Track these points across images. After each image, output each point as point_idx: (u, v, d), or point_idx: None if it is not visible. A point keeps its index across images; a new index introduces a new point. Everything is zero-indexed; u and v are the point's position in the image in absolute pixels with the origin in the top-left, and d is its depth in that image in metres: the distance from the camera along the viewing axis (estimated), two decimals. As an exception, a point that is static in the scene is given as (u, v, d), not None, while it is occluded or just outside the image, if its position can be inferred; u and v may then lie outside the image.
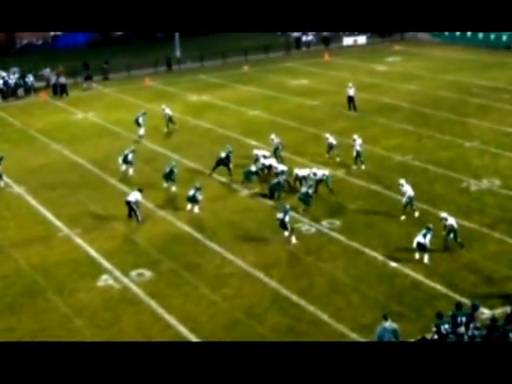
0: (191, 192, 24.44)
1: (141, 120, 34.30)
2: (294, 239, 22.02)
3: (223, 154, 28.06)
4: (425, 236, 20.21)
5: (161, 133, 35.02)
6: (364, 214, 24.09)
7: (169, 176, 26.72)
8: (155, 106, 40.26)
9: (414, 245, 20.35)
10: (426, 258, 20.32)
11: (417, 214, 23.51)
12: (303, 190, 24.43)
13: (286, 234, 22.08)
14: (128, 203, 23.86)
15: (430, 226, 20.61)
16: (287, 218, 21.87)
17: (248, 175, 26.90)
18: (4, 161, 28.36)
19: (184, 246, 22.23)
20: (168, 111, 35.45)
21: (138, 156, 31.31)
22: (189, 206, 24.67)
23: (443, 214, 21.23)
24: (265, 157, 28.27)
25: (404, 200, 23.58)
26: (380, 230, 22.83)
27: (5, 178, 28.75)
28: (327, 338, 16.62)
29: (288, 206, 22.52)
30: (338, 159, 29.17)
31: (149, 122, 36.19)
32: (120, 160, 28.77)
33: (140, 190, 24.36)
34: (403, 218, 23.45)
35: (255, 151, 28.88)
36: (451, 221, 20.98)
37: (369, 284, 19.35)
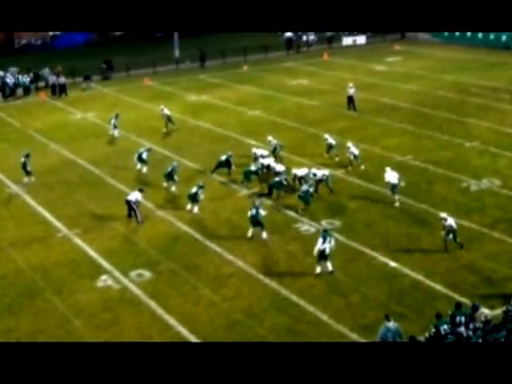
0: (193, 190, 24.42)
1: (113, 121, 34.31)
2: (264, 234, 22.07)
3: (223, 158, 28.14)
4: (324, 242, 19.58)
5: (160, 133, 34.93)
6: (364, 214, 24.06)
7: (170, 176, 26.68)
8: (154, 105, 40.24)
9: (327, 253, 19.68)
10: (329, 266, 19.83)
11: (397, 204, 24.40)
12: (304, 188, 24.40)
13: (264, 234, 22.09)
14: (128, 203, 23.83)
15: (327, 228, 20.07)
16: (262, 213, 21.90)
17: (248, 175, 26.86)
18: (3, 161, 28.37)
19: (183, 246, 22.19)
20: (166, 111, 35.38)
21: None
22: (189, 206, 24.63)
23: (443, 215, 21.17)
24: (263, 156, 28.26)
25: (388, 187, 24.53)
26: (380, 229, 22.80)
27: (4, 178, 28.77)
28: (327, 338, 16.59)
29: (258, 202, 22.58)
30: (337, 159, 29.14)
31: (148, 122, 36.22)
32: (135, 158, 28.90)
33: (141, 190, 24.34)
34: (397, 204, 24.15)
35: (254, 150, 28.89)
36: (450, 221, 20.92)
37: (368, 284, 19.32)
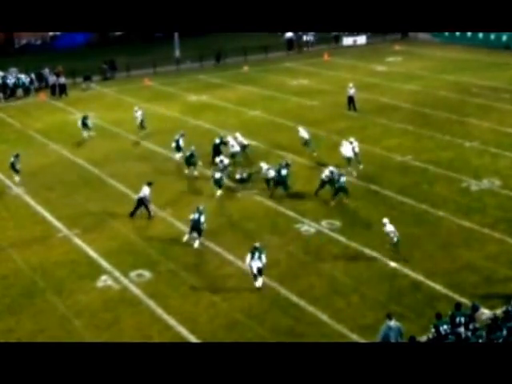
0: (217, 175, 25.63)
1: (80, 122, 34.27)
2: (197, 242, 21.83)
3: (217, 141, 29.36)
4: (260, 258, 18.91)
5: (160, 133, 34.77)
6: (364, 215, 24.04)
7: (189, 160, 27.90)
8: (154, 106, 40.31)
9: (255, 271, 18.98)
10: (259, 282, 19.12)
11: (354, 173, 27.26)
12: (342, 179, 24.66)
13: (197, 242, 21.84)
14: (141, 200, 23.90)
15: (257, 244, 19.18)
16: (202, 219, 21.71)
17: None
18: (3, 161, 28.48)
19: (183, 246, 22.16)
20: (139, 114, 34.64)
21: (136, 156, 31.37)
22: (218, 192, 25.56)
23: (384, 220, 20.73)
24: (233, 146, 29.15)
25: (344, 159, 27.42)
26: (380, 230, 22.69)
27: (4, 178, 28.77)
28: (327, 338, 16.58)
29: (202, 207, 22.11)
30: (315, 154, 29.13)
31: (147, 122, 36.12)
32: (173, 145, 29.90)
33: (149, 184, 24.34)
34: (355, 174, 27.08)
35: (231, 137, 29.82)
36: (389, 227, 20.49)
37: (369, 284, 19.31)
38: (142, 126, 34.65)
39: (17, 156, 28.29)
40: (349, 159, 27.40)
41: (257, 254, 18.98)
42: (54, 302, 19.08)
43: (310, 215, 23.94)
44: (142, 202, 23.93)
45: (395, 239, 20.43)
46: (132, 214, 24.05)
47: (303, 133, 30.03)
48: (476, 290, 18.68)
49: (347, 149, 27.47)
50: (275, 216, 24.16)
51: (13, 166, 28.01)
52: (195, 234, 21.92)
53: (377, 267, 20.32)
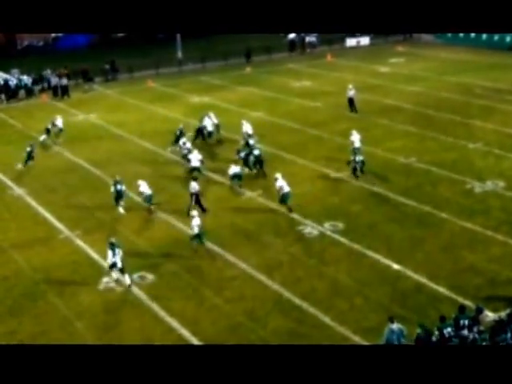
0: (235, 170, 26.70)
1: (49, 127, 33.97)
2: (121, 209, 24.55)
3: (201, 124, 32.38)
4: (113, 255, 19.35)
5: (162, 134, 34.72)
6: (366, 216, 23.96)
7: (177, 140, 30.61)
8: (157, 107, 40.28)
9: (119, 267, 19.46)
10: (127, 279, 19.55)
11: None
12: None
13: (121, 209, 24.54)
14: (195, 195, 24.19)
15: (113, 240, 19.68)
16: (123, 187, 24.64)
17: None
18: (5, 162, 28.58)
19: (186, 248, 22.10)
20: (59, 122, 34.13)
21: (138, 158, 31.34)
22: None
23: (194, 216, 21.40)
24: (249, 135, 30.62)
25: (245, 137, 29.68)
26: (383, 232, 22.70)
27: (5, 179, 28.76)
28: (330, 341, 16.51)
29: (119, 178, 24.93)
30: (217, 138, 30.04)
31: (150, 123, 36.12)
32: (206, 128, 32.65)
33: (195, 179, 25.00)
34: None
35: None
36: (195, 227, 21.19)
37: (372, 287, 19.22)
38: (57, 135, 34.09)
39: (32, 145, 30.19)
40: (249, 135, 30.03)
41: (116, 250, 19.39)
42: (55, 303, 19.04)
43: (312, 217, 23.86)
44: (197, 196, 24.28)
45: (196, 230, 21.19)
46: (203, 210, 24.21)
47: (207, 121, 33.09)
48: (479, 292, 18.58)
49: (247, 127, 31.03)
50: (278, 218, 24.08)
51: (29, 154, 29.62)
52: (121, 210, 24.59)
53: (380, 269, 20.24)
